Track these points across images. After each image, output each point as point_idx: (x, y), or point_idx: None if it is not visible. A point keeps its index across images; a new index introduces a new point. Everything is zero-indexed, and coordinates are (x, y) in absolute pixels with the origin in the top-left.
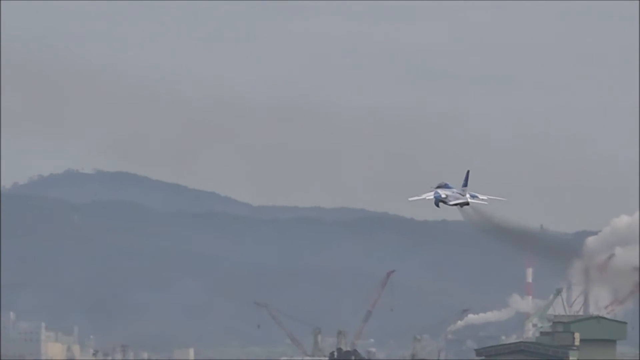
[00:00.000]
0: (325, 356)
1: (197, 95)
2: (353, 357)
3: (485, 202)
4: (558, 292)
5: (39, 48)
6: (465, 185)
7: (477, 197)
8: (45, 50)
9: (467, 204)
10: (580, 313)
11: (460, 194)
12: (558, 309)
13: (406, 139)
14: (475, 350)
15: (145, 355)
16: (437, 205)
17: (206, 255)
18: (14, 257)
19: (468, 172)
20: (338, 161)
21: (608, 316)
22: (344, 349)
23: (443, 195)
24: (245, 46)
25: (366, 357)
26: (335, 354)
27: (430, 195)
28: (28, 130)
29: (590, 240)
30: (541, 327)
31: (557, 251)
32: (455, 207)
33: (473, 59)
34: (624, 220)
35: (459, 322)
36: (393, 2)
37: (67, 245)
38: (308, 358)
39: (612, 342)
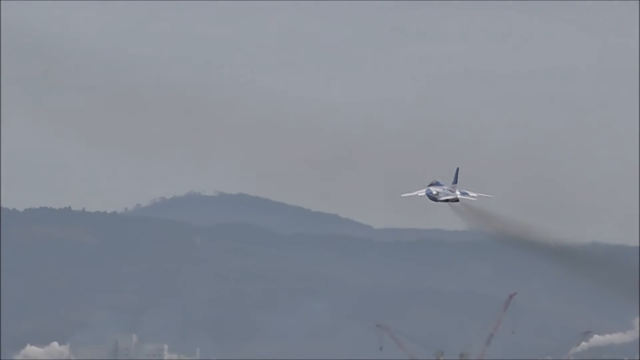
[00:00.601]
0: None
1: (318, 119)
2: None
3: (475, 199)
4: None
5: (172, 73)
6: (455, 182)
7: (467, 194)
8: (176, 75)
9: (457, 200)
10: None
11: (450, 190)
12: None
13: (540, 162)
14: None
15: None
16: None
17: (328, 278)
18: (136, 279)
19: (457, 169)
20: None
21: None
22: None
23: (434, 192)
24: (371, 71)
25: None
26: None
27: (422, 192)
28: (150, 152)
29: None
30: None
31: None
32: (445, 203)
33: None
34: None
35: (582, 344)
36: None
37: (189, 267)
38: None
39: None
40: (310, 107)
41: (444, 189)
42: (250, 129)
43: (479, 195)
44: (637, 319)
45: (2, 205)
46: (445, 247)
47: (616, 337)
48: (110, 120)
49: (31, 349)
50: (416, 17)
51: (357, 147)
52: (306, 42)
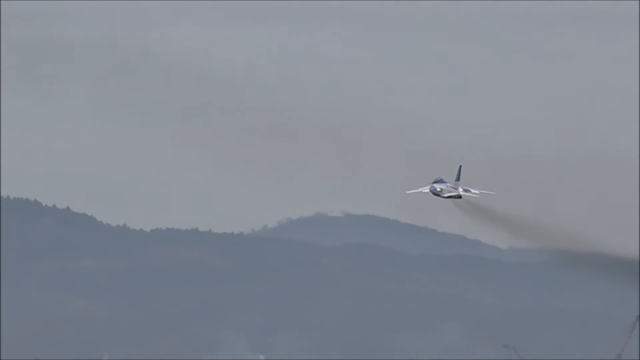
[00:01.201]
0: None
1: (449, 139)
2: None
3: (477, 196)
4: None
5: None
6: (457, 179)
7: (469, 190)
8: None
9: (460, 197)
10: None
11: (453, 187)
12: None
13: None
14: None
15: None
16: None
17: (456, 299)
18: (264, 300)
19: (460, 167)
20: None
21: None
22: None
23: (438, 189)
24: (505, 94)
25: None
26: None
27: (426, 189)
28: (277, 174)
29: None
30: None
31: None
32: (449, 199)
33: None
34: None
35: None
36: None
37: (317, 288)
38: None
39: None
40: (449, 131)
41: (447, 186)
42: (375, 151)
43: (480, 192)
44: None
45: (129, 226)
46: (572, 268)
47: None
48: (238, 141)
49: None
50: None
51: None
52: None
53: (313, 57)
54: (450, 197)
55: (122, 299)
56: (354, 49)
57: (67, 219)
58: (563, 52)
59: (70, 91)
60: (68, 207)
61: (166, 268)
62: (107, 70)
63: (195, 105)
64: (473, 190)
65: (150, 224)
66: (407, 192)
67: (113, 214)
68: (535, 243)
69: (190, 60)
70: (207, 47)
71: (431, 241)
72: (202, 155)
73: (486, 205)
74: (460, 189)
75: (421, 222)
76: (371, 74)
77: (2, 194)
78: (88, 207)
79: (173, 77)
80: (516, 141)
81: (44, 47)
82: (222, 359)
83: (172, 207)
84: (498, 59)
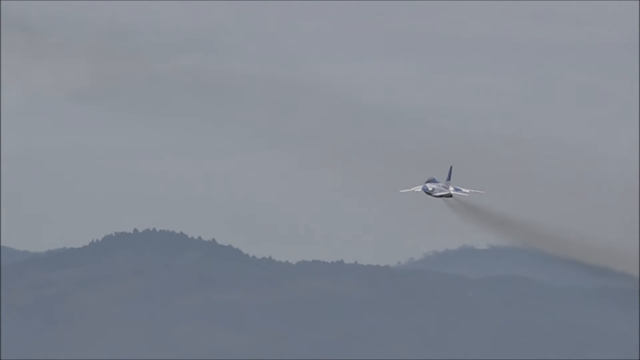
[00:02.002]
0: None
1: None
2: None
3: (467, 195)
4: None
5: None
6: (448, 179)
7: (460, 190)
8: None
9: (450, 196)
10: None
11: (444, 187)
12: None
13: None
14: None
15: None
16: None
17: (605, 332)
18: (410, 332)
19: (451, 167)
20: None
21: None
22: None
23: (430, 189)
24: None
25: None
26: None
27: (418, 189)
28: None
29: None
30: None
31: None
32: (440, 198)
33: None
34: None
35: None
36: None
37: (462, 320)
38: None
39: None
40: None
41: (438, 186)
42: (529, 179)
43: (471, 192)
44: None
45: (275, 258)
46: None
47: None
48: (384, 175)
49: None
50: None
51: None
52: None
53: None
54: (441, 196)
55: (267, 332)
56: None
57: (213, 252)
58: None
59: (221, 122)
60: (214, 239)
61: (312, 301)
62: (261, 103)
63: (344, 138)
64: (464, 190)
65: (296, 256)
66: (401, 191)
67: (258, 246)
68: (525, 241)
69: (345, 93)
70: (358, 78)
71: (577, 273)
72: (349, 188)
73: (476, 204)
74: (451, 188)
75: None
76: (524, 105)
77: (147, 227)
78: (233, 239)
79: (327, 110)
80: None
81: (190, 79)
82: None
83: (317, 239)
84: None
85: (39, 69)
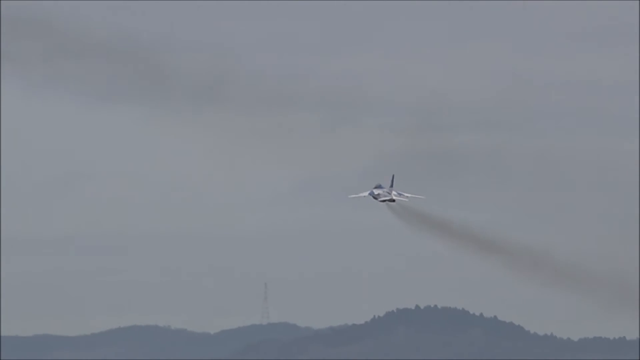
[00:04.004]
0: None
1: None
2: None
3: (407, 200)
4: None
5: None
6: (391, 186)
7: (402, 195)
8: None
9: (393, 200)
10: None
11: (388, 192)
12: None
13: None
14: None
15: None
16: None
17: None
18: None
19: (393, 176)
20: None
21: None
22: None
23: (376, 193)
24: None
25: None
26: None
27: (365, 194)
28: None
29: None
30: None
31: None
32: (384, 202)
33: None
34: None
35: None
36: None
37: None
38: None
39: None
40: None
41: (383, 191)
42: None
43: (411, 197)
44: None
45: (556, 335)
46: None
47: None
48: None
49: None
50: None
51: None
52: None
53: None
54: (384, 201)
55: None
56: None
57: (494, 329)
58: None
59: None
60: (495, 316)
61: None
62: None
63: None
64: (405, 195)
65: (579, 332)
66: (350, 196)
67: (540, 323)
68: (457, 240)
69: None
70: None
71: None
72: None
73: (416, 208)
74: (394, 193)
75: None
76: None
77: (429, 303)
78: (515, 316)
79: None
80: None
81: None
82: None
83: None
84: None
85: None
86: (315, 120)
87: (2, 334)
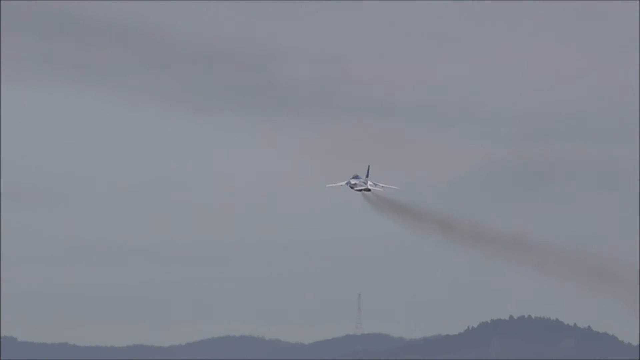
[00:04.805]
0: None
1: None
2: None
3: (382, 190)
4: None
5: None
6: (367, 176)
7: (377, 185)
8: None
9: (369, 190)
10: None
11: (364, 182)
12: None
13: None
14: None
15: None
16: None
17: None
18: None
19: (369, 166)
20: None
21: None
22: None
23: (352, 183)
24: None
25: None
26: None
27: (342, 183)
28: None
29: None
30: None
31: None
32: (360, 192)
33: None
34: None
35: None
36: None
37: None
38: None
39: None
40: None
41: (359, 181)
42: None
43: (386, 187)
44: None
45: None
46: None
47: None
48: None
49: None
50: None
51: None
52: None
53: None
54: (360, 190)
55: None
56: None
57: (588, 338)
58: None
59: None
60: (589, 326)
61: None
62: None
63: None
64: (380, 185)
65: None
66: (327, 185)
67: (635, 333)
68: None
69: None
70: None
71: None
72: None
73: (389, 197)
74: (370, 183)
75: None
76: None
77: (523, 313)
78: (609, 326)
79: None
80: None
81: None
82: None
83: None
84: None
85: None
86: (419, 128)
87: (99, 345)
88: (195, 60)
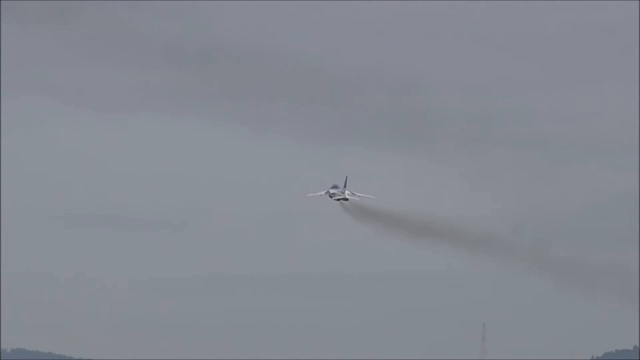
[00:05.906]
0: None
1: None
2: None
3: (358, 199)
4: None
5: None
6: (345, 186)
7: (355, 194)
8: None
9: (346, 199)
10: None
11: (342, 192)
12: None
13: None
14: None
15: None
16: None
17: None
18: None
19: (346, 177)
20: None
21: None
22: None
23: (331, 192)
24: None
25: None
26: None
27: (322, 192)
28: None
29: None
30: None
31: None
32: (339, 201)
33: None
34: None
35: None
36: None
37: None
38: None
39: None
40: None
41: (338, 190)
42: None
43: (363, 196)
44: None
45: None
46: None
47: None
48: None
49: None
50: None
51: None
52: None
53: None
54: (339, 199)
55: None
56: None
57: None
58: None
59: None
60: None
61: None
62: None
63: None
64: (357, 194)
65: None
66: (308, 194)
67: None
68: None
69: None
70: None
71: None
72: None
73: (366, 205)
74: (347, 193)
75: None
76: None
77: None
78: None
79: None
80: None
81: None
82: None
83: None
84: None
85: None
86: (535, 158)
87: None
88: (283, 90)
